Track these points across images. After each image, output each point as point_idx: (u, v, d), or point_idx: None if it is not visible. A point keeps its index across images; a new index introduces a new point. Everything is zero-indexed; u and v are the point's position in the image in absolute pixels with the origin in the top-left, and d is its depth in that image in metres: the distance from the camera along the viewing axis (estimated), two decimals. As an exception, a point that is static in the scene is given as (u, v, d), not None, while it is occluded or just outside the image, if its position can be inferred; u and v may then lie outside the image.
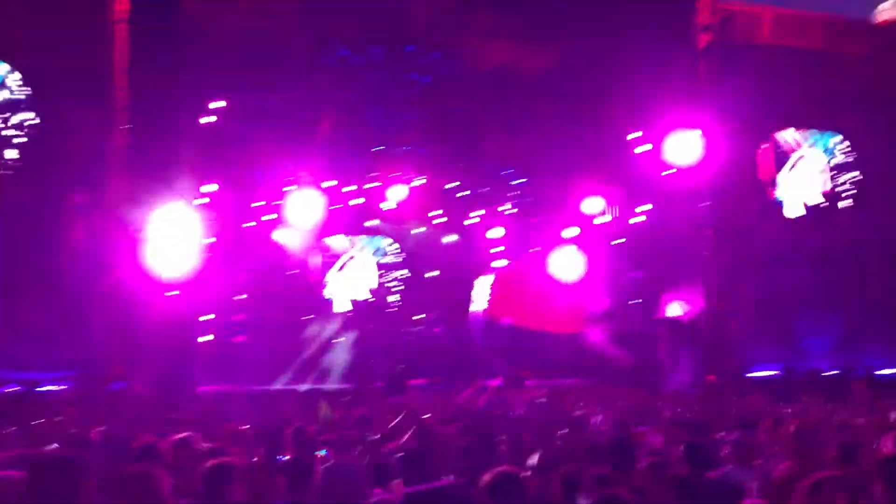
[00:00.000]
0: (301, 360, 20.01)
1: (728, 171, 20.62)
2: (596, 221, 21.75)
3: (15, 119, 18.30)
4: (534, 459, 6.01)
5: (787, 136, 23.08)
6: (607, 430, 9.37)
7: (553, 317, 20.73)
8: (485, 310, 21.63)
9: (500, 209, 22.34)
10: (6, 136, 18.27)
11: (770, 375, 20.89)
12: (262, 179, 19.80)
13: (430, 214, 22.33)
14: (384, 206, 21.69)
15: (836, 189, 23.51)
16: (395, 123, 20.96)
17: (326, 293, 21.94)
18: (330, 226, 20.92)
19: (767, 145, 22.54)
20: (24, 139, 18.26)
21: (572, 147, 20.49)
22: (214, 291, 18.35)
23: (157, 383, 15.92)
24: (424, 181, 21.68)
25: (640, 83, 19.48)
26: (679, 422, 9.46)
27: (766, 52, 22.12)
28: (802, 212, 23.23)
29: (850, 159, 23.57)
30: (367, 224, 22.11)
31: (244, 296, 20.42)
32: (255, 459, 6.86)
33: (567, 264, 21.53)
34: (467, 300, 22.21)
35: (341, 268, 22.26)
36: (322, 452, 6.87)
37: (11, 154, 18.26)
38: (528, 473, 5.64)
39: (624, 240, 21.49)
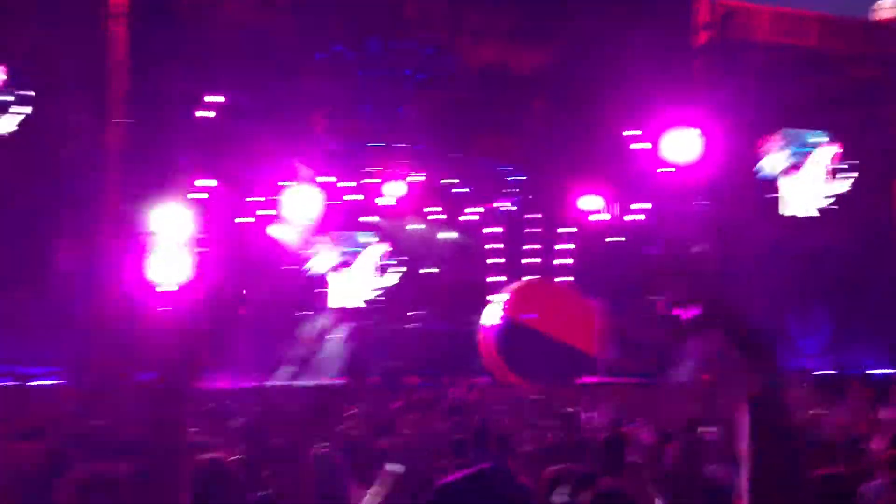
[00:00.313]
0: (297, 355, 19.94)
1: (726, 169, 20.59)
2: (592, 218, 21.73)
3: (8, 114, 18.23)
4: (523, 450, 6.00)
5: (785, 134, 23.05)
6: (600, 426, 9.36)
7: (576, 333, 20.08)
8: (505, 308, 20.90)
9: (497, 206, 22.34)
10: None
11: None
12: (258, 175, 19.77)
13: (426, 210, 22.35)
14: (381, 202, 21.70)
15: (833, 187, 23.48)
16: (390, 120, 20.96)
17: (323, 289, 21.90)
18: (327, 222, 20.90)
19: (765, 143, 22.49)
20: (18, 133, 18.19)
21: (569, 144, 20.46)
22: (209, 287, 18.29)
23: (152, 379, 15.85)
24: (423, 178, 21.68)
25: (637, 80, 19.44)
26: (673, 419, 9.45)
27: (765, 50, 22.10)
28: (800, 210, 23.20)
29: (847, 158, 23.53)
30: (364, 220, 22.10)
31: (241, 291, 20.35)
32: (243, 457, 6.82)
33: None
34: (465, 297, 22.14)
35: (338, 264, 22.21)
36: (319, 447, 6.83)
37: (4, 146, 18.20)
38: (517, 469, 5.63)
39: (623, 238, 21.45)
